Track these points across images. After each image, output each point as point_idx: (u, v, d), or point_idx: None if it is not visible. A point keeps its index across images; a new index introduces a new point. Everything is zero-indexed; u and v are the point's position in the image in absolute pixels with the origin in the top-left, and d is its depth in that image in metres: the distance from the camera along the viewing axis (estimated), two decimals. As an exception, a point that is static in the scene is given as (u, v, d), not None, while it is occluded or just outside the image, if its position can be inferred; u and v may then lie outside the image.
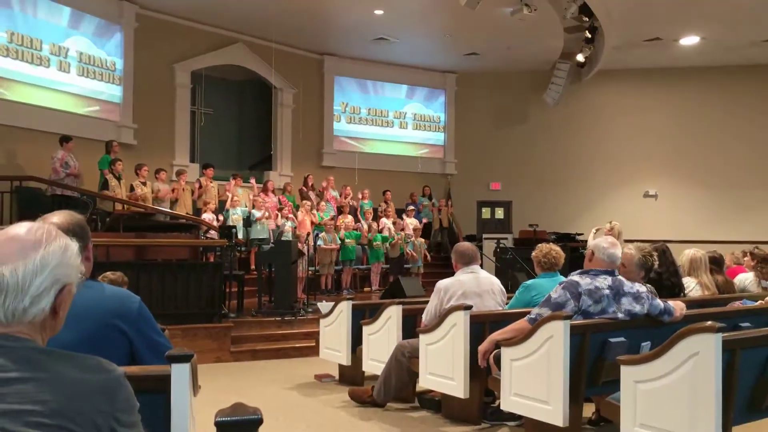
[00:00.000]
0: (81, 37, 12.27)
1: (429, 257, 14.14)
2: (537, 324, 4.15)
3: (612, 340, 4.12)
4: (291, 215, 12.50)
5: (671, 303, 4.37)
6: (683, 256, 5.85)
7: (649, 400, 3.52)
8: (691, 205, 16.68)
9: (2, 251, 1.35)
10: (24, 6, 11.31)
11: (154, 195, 11.36)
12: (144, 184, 11.26)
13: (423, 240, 13.92)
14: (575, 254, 10.69)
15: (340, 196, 14.43)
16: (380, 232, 13.41)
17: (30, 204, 9.68)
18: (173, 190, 11.83)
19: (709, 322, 3.36)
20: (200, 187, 12.41)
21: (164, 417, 2.13)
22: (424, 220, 15.32)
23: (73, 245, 1.43)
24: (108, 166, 11.03)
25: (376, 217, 14.10)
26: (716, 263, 6.10)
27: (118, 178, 10.94)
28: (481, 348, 4.48)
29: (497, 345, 4.42)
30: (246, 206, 12.36)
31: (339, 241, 12.55)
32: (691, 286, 5.68)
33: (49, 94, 11.69)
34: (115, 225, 9.34)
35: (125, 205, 10.47)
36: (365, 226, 13.59)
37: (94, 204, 10.31)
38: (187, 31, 13.97)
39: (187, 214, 11.50)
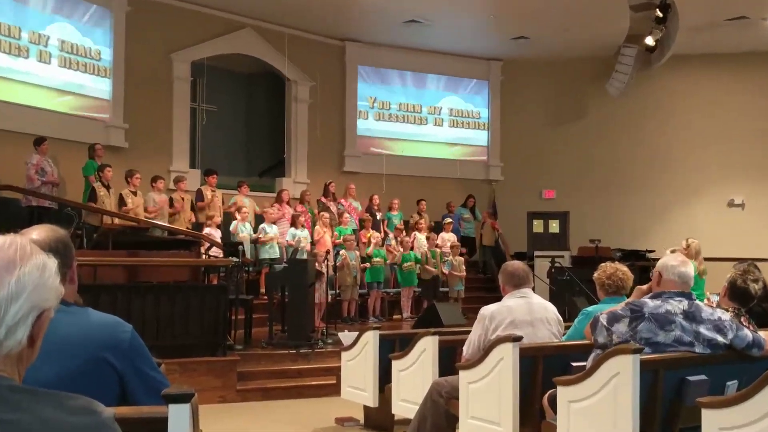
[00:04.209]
0: (64, 22, 12.50)
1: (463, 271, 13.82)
2: (600, 359, 4.11)
3: (691, 378, 4.06)
4: (304, 226, 12.51)
5: (762, 334, 4.29)
6: (777, 277, 5.74)
7: (736, 451, 3.45)
8: (786, 215, 16.43)
9: (-30, 275, 1.37)
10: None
11: (153, 209, 11.45)
12: (135, 193, 11.39)
13: (462, 259, 13.86)
14: (645, 275, 10.56)
15: (373, 206, 14.43)
16: (411, 249, 13.37)
17: (5, 218, 9.85)
18: (173, 205, 11.92)
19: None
20: (202, 198, 12.50)
21: (160, 466, 2.15)
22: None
23: (51, 263, 1.45)
24: (94, 172, 11.18)
25: (407, 232, 14.07)
26: (818, 286, 5.97)
27: (107, 187, 11.08)
28: None
29: (553, 384, 4.39)
30: (251, 222, 12.42)
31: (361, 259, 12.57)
32: (787, 313, 5.57)
33: (27, 89, 11.92)
34: (104, 241, 9.45)
35: (115, 219, 10.58)
36: (393, 243, 13.58)
37: (79, 217, 10.46)
38: (187, 15, 14.16)
39: (187, 228, 11.61)
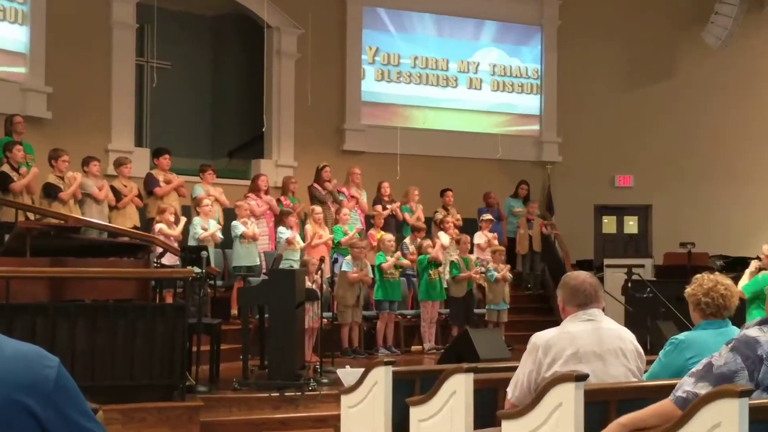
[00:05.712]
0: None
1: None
2: (693, 406, 4.10)
3: (820, 431, 4.06)
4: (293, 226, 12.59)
5: None
6: None
7: None
8: None
9: None
10: None
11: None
12: (62, 178, 11.44)
13: (508, 267, 13.84)
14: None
15: (383, 196, 14.42)
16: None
17: None
18: (122, 196, 11.97)
19: None
20: (157, 184, 12.54)
21: None
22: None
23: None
24: (5, 153, 11.23)
25: (430, 232, 14.08)
26: None
27: (17, 170, 11.08)
28: None
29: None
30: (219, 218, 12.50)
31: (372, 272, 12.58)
32: None
33: None
34: (19, 245, 9.46)
35: (34, 214, 10.61)
36: (412, 248, 13.57)
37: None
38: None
39: (133, 228, 11.63)
